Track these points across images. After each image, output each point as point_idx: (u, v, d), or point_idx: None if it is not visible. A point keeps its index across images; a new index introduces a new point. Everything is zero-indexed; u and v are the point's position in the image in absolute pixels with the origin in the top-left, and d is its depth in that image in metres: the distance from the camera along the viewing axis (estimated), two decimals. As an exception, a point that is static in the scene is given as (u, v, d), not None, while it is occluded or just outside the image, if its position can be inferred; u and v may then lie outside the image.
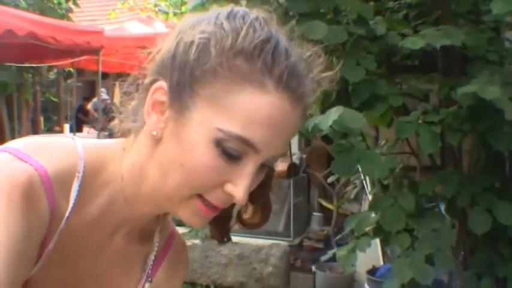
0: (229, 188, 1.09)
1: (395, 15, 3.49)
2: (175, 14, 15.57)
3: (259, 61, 1.05)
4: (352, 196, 5.51)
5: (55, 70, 16.77)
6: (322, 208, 6.99)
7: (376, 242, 5.29)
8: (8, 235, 1.01)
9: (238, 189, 1.08)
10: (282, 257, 6.30)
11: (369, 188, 5.07)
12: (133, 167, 1.18)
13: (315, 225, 6.70)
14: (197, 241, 6.65)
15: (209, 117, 1.05)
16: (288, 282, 6.32)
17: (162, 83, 1.11)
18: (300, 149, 7.05)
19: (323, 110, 2.81)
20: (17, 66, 11.09)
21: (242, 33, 1.06)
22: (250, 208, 1.29)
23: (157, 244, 1.36)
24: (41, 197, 1.08)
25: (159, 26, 14.14)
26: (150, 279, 1.34)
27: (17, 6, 12.47)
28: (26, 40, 7.36)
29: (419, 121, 2.81)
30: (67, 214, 1.13)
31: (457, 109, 2.83)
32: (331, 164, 2.93)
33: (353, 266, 5.73)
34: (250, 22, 1.08)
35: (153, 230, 1.35)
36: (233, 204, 1.21)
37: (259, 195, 1.22)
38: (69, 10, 14.49)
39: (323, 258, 4.35)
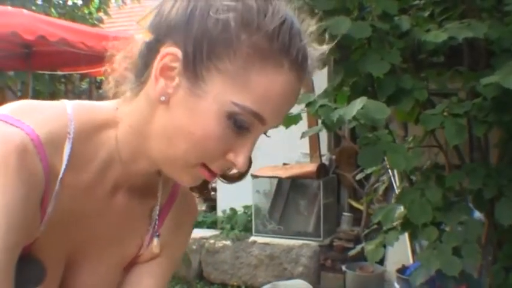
0: (231, 157, 1.13)
1: (421, 13, 3.51)
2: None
3: (279, 41, 1.08)
4: (380, 192, 5.53)
5: (87, 79, 16.91)
6: (352, 208, 6.99)
7: (406, 241, 5.30)
8: (6, 200, 1.03)
9: (240, 158, 1.13)
10: (312, 257, 6.32)
11: (398, 182, 5.08)
12: (131, 129, 1.20)
13: (345, 225, 6.70)
14: (228, 242, 6.69)
15: (226, 92, 1.07)
16: (319, 282, 6.34)
17: (175, 50, 1.10)
18: (329, 149, 7.06)
19: (350, 104, 2.85)
20: (49, 75, 11.17)
21: (268, 13, 1.08)
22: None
23: (160, 197, 1.38)
24: (34, 160, 1.09)
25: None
26: (157, 233, 1.37)
27: (47, 15, 12.60)
28: (58, 47, 7.43)
29: (445, 113, 2.84)
30: (60, 175, 1.15)
31: (482, 101, 2.85)
32: (357, 160, 2.96)
33: (383, 265, 5.78)
34: (274, 2, 1.10)
35: (156, 184, 1.36)
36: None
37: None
38: (101, 20, 14.59)
39: (351, 252, 4.37)
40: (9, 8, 8.59)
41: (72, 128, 1.18)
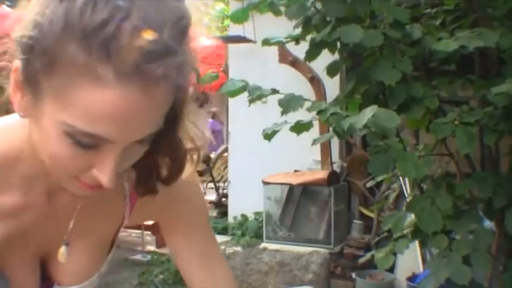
0: (95, 173, 1.04)
1: (433, 22, 3.52)
2: (217, 28, 15.66)
3: (95, 48, 0.91)
4: (391, 200, 5.53)
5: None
6: (362, 216, 7.00)
7: (416, 249, 5.30)
8: None
9: (103, 175, 1.03)
10: (322, 264, 6.32)
11: (409, 190, 5.08)
12: (28, 141, 1.12)
13: (356, 233, 6.71)
14: (238, 248, 6.70)
15: (56, 110, 0.97)
16: (329, 289, 6.35)
17: (18, 63, 1.01)
18: (340, 157, 7.07)
19: (361, 113, 2.86)
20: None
21: (86, 13, 0.91)
22: (165, 163, 1.23)
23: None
24: None
25: (202, 40, 14.23)
26: (66, 242, 1.31)
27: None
28: None
29: (456, 122, 2.84)
30: None
31: (493, 109, 2.86)
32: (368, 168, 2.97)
33: (393, 273, 5.78)
34: None
35: None
36: (155, 163, 1.21)
37: (163, 149, 1.17)
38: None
39: (361, 260, 4.38)
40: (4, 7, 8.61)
41: None
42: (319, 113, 2.80)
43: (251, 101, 3.00)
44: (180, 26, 0.98)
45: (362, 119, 2.49)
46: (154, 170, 1.23)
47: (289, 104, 2.94)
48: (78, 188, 1.10)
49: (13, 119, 1.16)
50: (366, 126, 2.55)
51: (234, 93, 3.06)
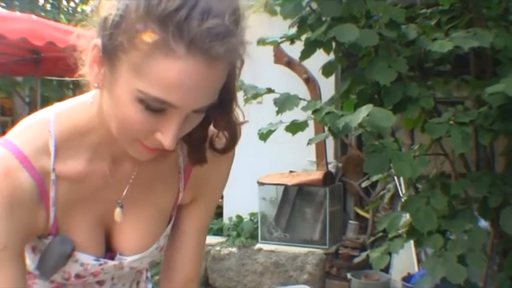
0: (158, 136, 1.22)
1: (428, 22, 3.53)
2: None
3: (171, 28, 1.10)
4: (386, 200, 5.54)
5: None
6: (358, 216, 7.00)
7: (411, 249, 5.31)
8: None
9: (166, 138, 1.21)
10: (317, 264, 6.32)
11: (404, 190, 5.09)
12: (98, 112, 1.33)
13: (351, 233, 6.71)
14: (234, 249, 6.70)
15: (131, 80, 1.16)
16: (324, 290, 6.35)
17: (97, 41, 1.21)
18: (336, 157, 7.07)
19: (356, 112, 2.86)
20: (57, 81, 11.18)
21: (155, 1, 1.11)
22: (220, 135, 1.44)
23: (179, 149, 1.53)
24: (19, 173, 1.31)
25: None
26: (120, 203, 1.50)
27: (56, 22, 12.63)
28: (66, 53, 7.45)
29: (451, 122, 2.85)
30: (51, 166, 1.36)
31: (488, 109, 2.86)
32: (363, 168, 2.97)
33: (388, 273, 5.78)
34: None
35: None
36: (206, 129, 1.41)
37: (221, 122, 1.38)
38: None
39: (356, 259, 4.39)
40: (18, 13, 8.62)
41: (52, 125, 1.37)
42: (314, 112, 2.80)
43: (246, 100, 3.00)
44: (237, 14, 1.17)
45: (357, 118, 2.49)
46: (206, 141, 1.44)
47: (284, 103, 2.95)
48: (139, 151, 1.29)
49: (82, 98, 1.40)
50: (361, 125, 2.56)
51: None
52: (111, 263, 1.52)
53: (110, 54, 1.18)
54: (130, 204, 1.50)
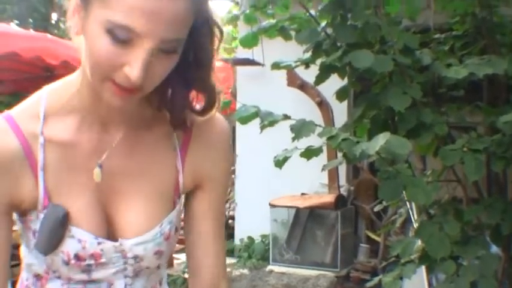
0: (127, 69, 1.26)
1: (442, 47, 3.54)
2: (225, 50, 15.74)
3: None
4: (398, 224, 5.52)
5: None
6: (369, 240, 7.00)
7: (422, 273, 5.29)
8: None
9: (133, 69, 1.25)
10: (328, 287, 6.32)
11: (416, 216, 5.08)
12: (82, 72, 1.41)
13: (362, 256, 6.71)
14: (245, 271, 6.70)
15: (100, 12, 1.24)
16: (335, 313, 6.34)
17: None
18: (347, 181, 7.08)
19: (370, 138, 2.87)
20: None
21: None
22: (200, 96, 1.51)
23: (171, 125, 1.55)
24: (7, 136, 1.39)
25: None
26: (99, 164, 1.50)
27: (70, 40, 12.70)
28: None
29: (464, 149, 2.85)
30: (40, 129, 1.42)
31: (501, 137, 2.87)
32: (378, 194, 2.97)
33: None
34: None
35: (150, 113, 1.55)
36: (187, 94, 1.49)
37: (199, 84, 1.47)
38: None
39: (368, 284, 4.37)
40: (32, 31, 8.67)
41: (44, 96, 1.46)
42: (330, 138, 2.81)
43: (263, 127, 3.01)
44: None
45: (374, 145, 2.49)
46: (186, 106, 1.51)
47: (300, 129, 2.95)
48: (112, 93, 1.31)
49: (74, 73, 1.47)
50: (377, 152, 2.56)
51: (247, 119, 3.08)
52: (110, 243, 1.49)
53: None
54: (125, 178, 1.52)
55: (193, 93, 1.51)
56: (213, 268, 1.66)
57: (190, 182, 1.61)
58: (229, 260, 7.01)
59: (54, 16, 19.61)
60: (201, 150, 1.59)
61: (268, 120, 3.01)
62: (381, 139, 2.50)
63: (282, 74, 6.40)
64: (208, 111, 1.53)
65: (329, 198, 6.62)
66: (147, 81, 1.29)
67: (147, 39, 1.23)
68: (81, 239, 1.45)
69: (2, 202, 1.40)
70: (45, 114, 1.43)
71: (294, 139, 2.96)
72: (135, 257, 1.52)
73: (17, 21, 19.05)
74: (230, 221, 8.73)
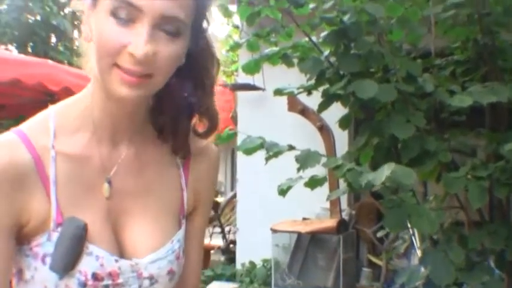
0: (130, 48, 1.28)
1: (443, 72, 3.56)
2: (224, 73, 15.77)
3: None
4: (401, 251, 5.53)
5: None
6: (371, 264, 6.98)
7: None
8: None
9: (137, 46, 1.27)
10: (331, 312, 6.31)
11: (418, 243, 5.08)
12: (92, 87, 1.43)
13: (364, 280, 6.68)
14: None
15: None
16: (338, 338, 6.32)
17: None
18: (349, 204, 7.07)
19: (373, 165, 2.88)
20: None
21: None
22: (203, 120, 1.54)
23: (172, 140, 1.56)
24: (19, 150, 1.36)
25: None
26: (108, 179, 1.48)
27: (70, 64, 12.77)
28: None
29: (468, 176, 2.86)
30: (51, 143, 1.40)
31: (505, 164, 2.88)
32: (382, 220, 2.98)
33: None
34: None
35: (153, 132, 1.55)
36: (190, 120, 1.53)
37: (203, 107, 1.50)
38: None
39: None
40: (34, 58, 8.70)
41: (53, 112, 1.45)
42: (335, 168, 2.82)
43: (268, 159, 3.03)
44: None
45: (380, 176, 2.50)
46: (190, 131, 1.55)
47: (306, 160, 2.97)
48: (120, 80, 1.31)
49: (82, 91, 1.47)
50: (383, 183, 2.57)
51: (252, 150, 3.09)
52: (126, 261, 1.44)
53: None
54: (133, 195, 1.50)
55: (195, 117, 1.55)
56: (194, 279, 1.70)
57: (192, 202, 1.62)
58: (231, 285, 7.00)
59: (53, 39, 19.66)
60: (200, 172, 1.62)
61: (274, 152, 3.03)
62: (386, 170, 2.51)
63: (283, 98, 6.40)
64: (211, 135, 1.57)
65: (331, 222, 6.61)
66: (154, 67, 1.31)
67: (147, 14, 1.27)
68: (98, 255, 1.40)
69: (9, 224, 1.35)
70: (55, 129, 1.42)
71: (299, 169, 2.97)
72: (150, 278, 1.47)
73: (16, 44, 19.11)
74: (231, 246, 8.72)
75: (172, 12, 1.29)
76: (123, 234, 1.48)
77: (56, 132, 1.42)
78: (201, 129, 1.56)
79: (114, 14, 1.27)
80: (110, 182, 1.47)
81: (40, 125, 1.43)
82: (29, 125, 1.43)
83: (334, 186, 5.98)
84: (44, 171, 1.38)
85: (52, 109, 1.47)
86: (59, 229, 1.36)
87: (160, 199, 1.54)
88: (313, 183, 3.09)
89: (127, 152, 1.50)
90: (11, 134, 1.39)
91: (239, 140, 3.39)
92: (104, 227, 1.44)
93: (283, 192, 3.08)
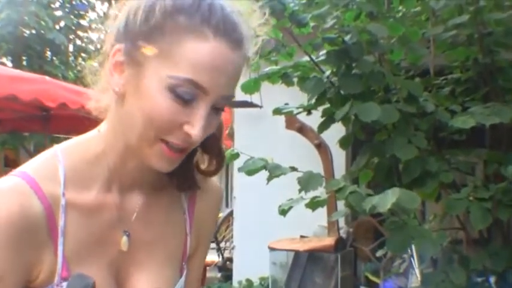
0: (186, 128, 1.22)
1: (442, 91, 3.55)
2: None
3: (198, 15, 1.21)
4: (401, 270, 5.50)
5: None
6: (368, 282, 6.96)
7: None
8: None
9: (195, 128, 1.22)
10: (329, 331, 6.28)
11: (416, 263, 5.05)
12: (113, 132, 1.35)
13: (362, 299, 6.67)
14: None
15: (161, 68, 1.21)
16: None
17: (119, 45, 1.27)
18: (346, 223, 7.05)
19: (373, 185, 2.86)
20: (65, 138, 11.26)
21: None
22: (206, 158, 1.47)
23: (178, 186, 1.50)
24: (30, 198, 1.25)
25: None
26: (127, 232, 1.41)
27: (65, 78, 12.76)
28: (78, 113, 7.50)
29: (470, 198, 2.84)
30: (61, 190, 1.30)
31: (507, 185, 2.86)
32: (379, 238, 2.96)
33: None
34: None
35: (165, 177, 1.46)
36: (193, 156, 1.43)
37: (212, 145, 1.42)
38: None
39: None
40: (30, 74, 8.70)
41: (60, 155, 1.34)
42: (337, 191, 2.80)
43: (270, 179, 3.01)
44: (241, 13, 1.28)
45: (385, 202, 2.47)
46: (193, 169, 1.48)
47: (308, 182, 2.95)
48: (160, 153, 1.27)
49: (89, 133, 1.40)
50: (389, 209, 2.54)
51: (255, 171, 3.08)
52: None
53: (134, 52, 1.25)
54: (143, 245, 1.44)
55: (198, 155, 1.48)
56: None
57: (194, 245, 1.57)
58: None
59: (48, 53, 19.70)
60: (204, 213, 1.57)
61: (276, 174, 3.01)
62: (391, 195, 2.49)
63: (281, 116, 6.40)
64: (217, 173, 1.52)
65: (329, 241, 6.58)
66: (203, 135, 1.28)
67: (210, 95, 1.22)
68: None
69: (15, 282, 1.26)
70: (65, 176, 1.31)
71: (300, 191, 2.96)
72: None
73: (11, 58, 19.14)
74: (228, 263, 8.68)
75: (231, 92, 1.27)
76: (125, 282, 1.43)
77: (66, 178, 1.32)
78: (203, 165, 1.49)
79: (172, 90, 1.20)
80: (128, 235, 1.41)
81: (48, 170, 1.32)
82: (35, 168, 1.32)
83: (332, 205, 5.95)
84: (53, 221, 1.28)
85: (58, 149, 1.36)
86: (64, 284, 1.29)
87: (167, 247, 1.49)
88: (314, 204, 3.08)
89: (139, 201, 1.44)
90: (16, 179, 1.27)
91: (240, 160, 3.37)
92: (110, 282, 1.39)
93: (284, 212, 3.07)
